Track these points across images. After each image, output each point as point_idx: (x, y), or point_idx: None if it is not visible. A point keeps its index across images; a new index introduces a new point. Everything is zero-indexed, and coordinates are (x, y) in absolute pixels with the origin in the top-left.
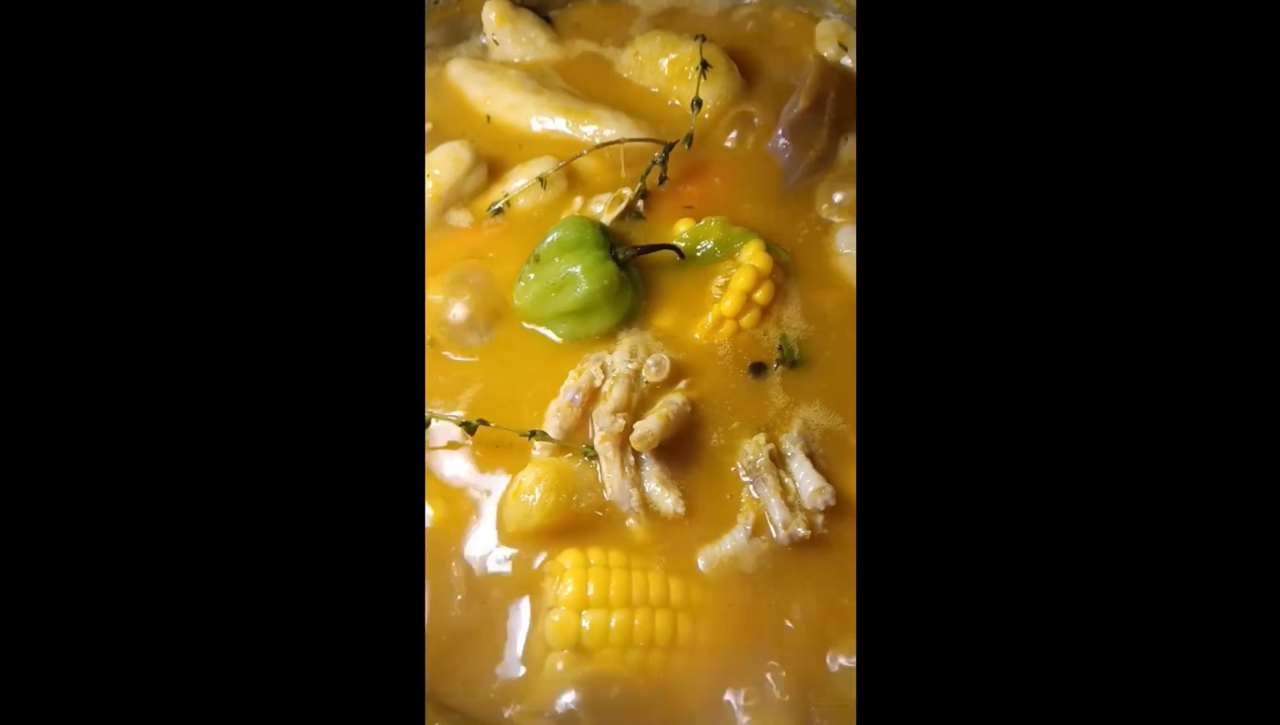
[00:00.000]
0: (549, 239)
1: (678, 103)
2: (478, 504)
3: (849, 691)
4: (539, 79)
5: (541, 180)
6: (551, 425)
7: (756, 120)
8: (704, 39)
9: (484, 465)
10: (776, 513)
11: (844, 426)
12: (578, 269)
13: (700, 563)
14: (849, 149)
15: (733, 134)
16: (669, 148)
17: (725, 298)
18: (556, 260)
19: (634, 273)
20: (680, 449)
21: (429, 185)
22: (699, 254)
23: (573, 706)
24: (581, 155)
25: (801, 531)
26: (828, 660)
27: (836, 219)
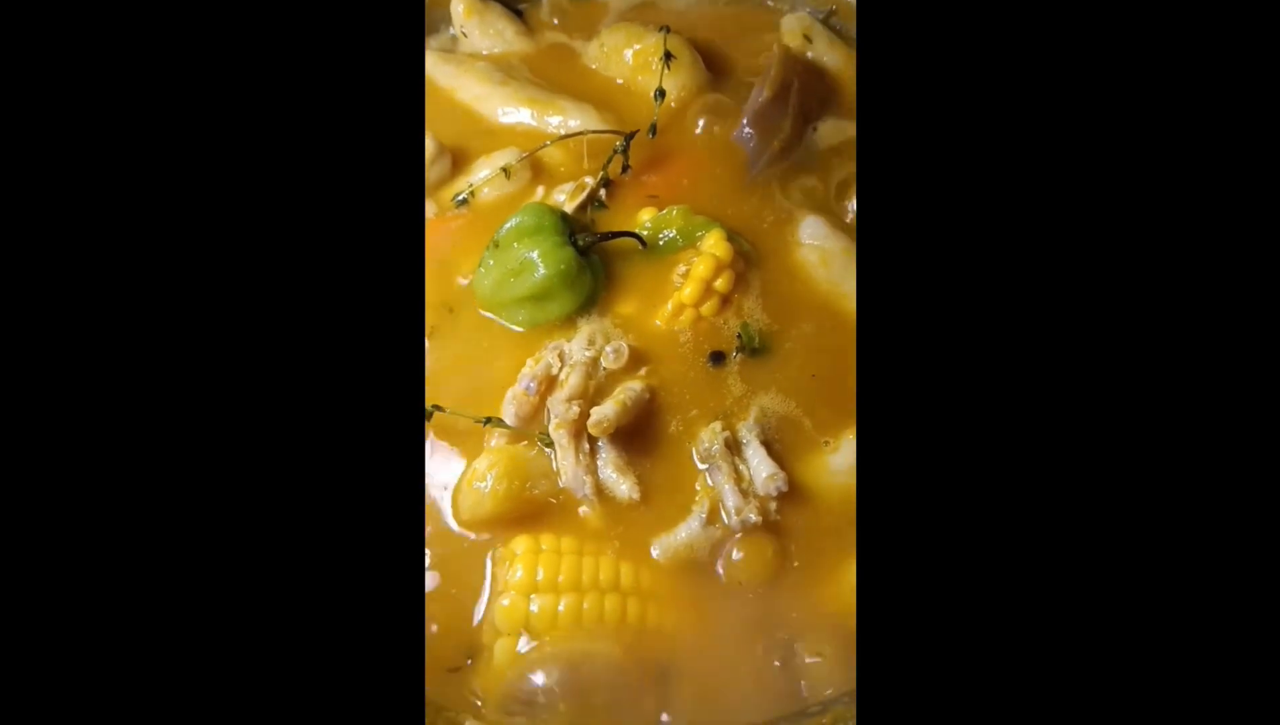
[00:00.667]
0: (508, 225)
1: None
2: (432, 491)
3: (804, 676)
4: (506, 71)
5: (505, 170)
6: (508, 413)
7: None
8: (668, 30)
9: (439, 452)
10: (730, 499)
11: (801, 414)
12: (535, 253)
13: (654, 551)
14: (813, 139)
15: (700, 122)
16: (630, 136)
17: (685, 285)
18: (515, 245)
19: (594, 260)
20: (638, 436)
21: None
22: (661, 242)
23: (522, 688)
24: (545, 146)
25: (753, 517)
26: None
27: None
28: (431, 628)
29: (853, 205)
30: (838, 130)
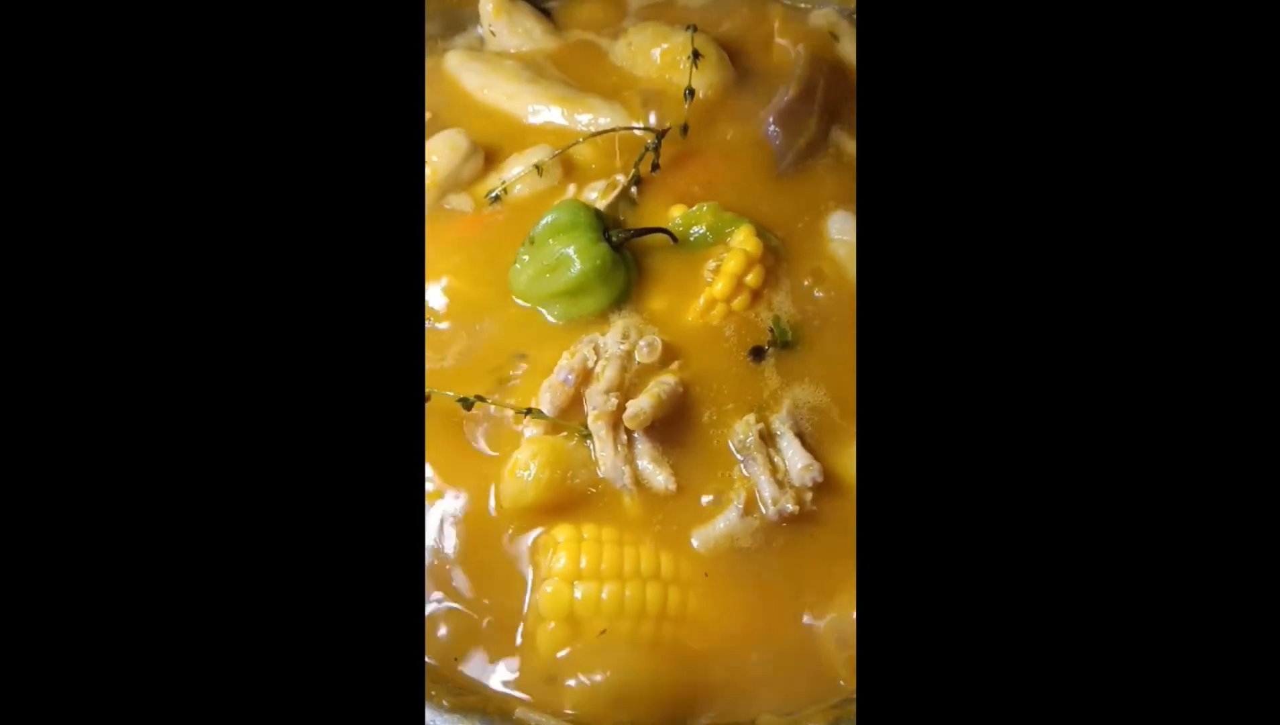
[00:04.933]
0: (543, 221)
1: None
2: (472, 480)
3: (839, 660)
4: (535, 69)
5: (538, 168)
6: (544, 402)
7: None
8: (695, 29)
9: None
10: (766, 490)
11: (832, 405)
12: (571, 250)
13: (695, 542)
14: (839, 137)
15: (728, 120)
16: (662, 134)
17: (717, 281)
18: (551, 242)
19: (627, 256)
20: (672, 428)
21: (427, 171)
22: (691, 238)
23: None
24: (577, 143)
25: (790, 507)
26: (816, 628)
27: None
28: (483, 622)
29: None
30: None
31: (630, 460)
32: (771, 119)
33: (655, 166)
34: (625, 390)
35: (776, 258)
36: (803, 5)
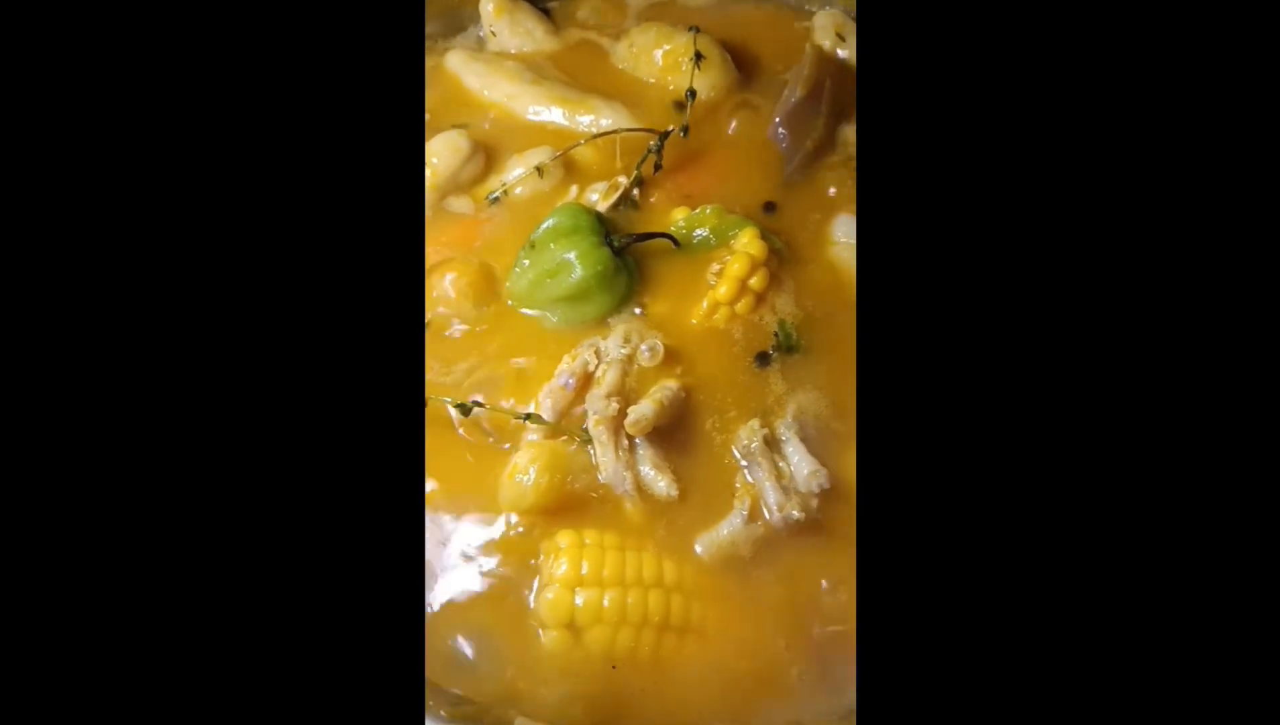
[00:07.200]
0: (544, 226)
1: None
2: (470, 484)
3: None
4: (535, 70)
5: (539, 169)
6: (544, 407)
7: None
8: (698, 30)
9: (476, 447)
10: (771, 496)
11: (837, 411)
12: (572, 255)
13: (698, 548)
14: (846, 139)
15: (733, 121)
16: (664, 136)
17: (720, 284)
18: (551, 246)
19: (629, 260)
20: (675, 434)
21: (427, 173)
22: (695, 241)
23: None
24: (578, 145)
25: (796, 514)
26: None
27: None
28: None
29: None
30: None
31: (632, 466)
32: (778, 120)
33: (658, 168)
34: (626, 395)
35: (780, 261)
36: (808, 7)
